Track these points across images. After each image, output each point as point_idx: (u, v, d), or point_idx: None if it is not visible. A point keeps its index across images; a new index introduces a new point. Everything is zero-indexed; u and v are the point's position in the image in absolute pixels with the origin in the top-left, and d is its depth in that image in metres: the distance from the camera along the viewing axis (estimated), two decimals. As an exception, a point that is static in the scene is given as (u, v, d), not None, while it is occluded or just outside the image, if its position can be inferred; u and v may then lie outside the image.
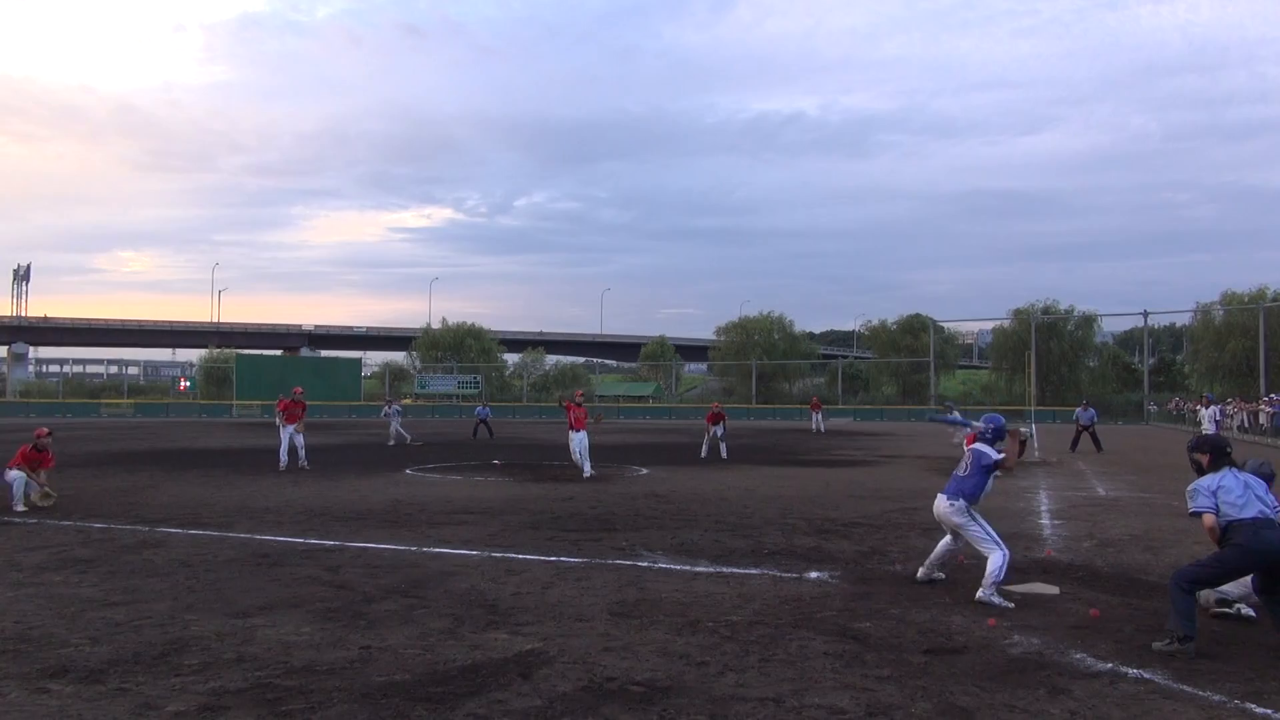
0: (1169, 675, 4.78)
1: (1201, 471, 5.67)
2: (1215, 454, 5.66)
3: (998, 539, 6.67)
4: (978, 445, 7.06)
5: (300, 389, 19.41)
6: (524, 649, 5.20)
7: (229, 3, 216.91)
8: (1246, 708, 4.31)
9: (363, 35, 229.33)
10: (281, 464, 17.50)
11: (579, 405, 17.32)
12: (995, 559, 6.51)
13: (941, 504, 6.88)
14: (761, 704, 4.30)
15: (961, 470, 6.96)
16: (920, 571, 7.18)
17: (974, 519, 6.76)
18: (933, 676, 4.74)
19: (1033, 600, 6.55)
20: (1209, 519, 5.42)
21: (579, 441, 16.59)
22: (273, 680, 4.61)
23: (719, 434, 22.69)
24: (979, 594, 6.46)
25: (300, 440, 17.80)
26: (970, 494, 6.80)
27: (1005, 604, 6.35)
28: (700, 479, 16.07)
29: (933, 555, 7.16)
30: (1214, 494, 5.44)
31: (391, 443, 26.04)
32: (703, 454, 22.14)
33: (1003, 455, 6.91)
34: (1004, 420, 7.25)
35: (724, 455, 21.69)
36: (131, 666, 4.83)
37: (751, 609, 6.22)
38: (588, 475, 16.18)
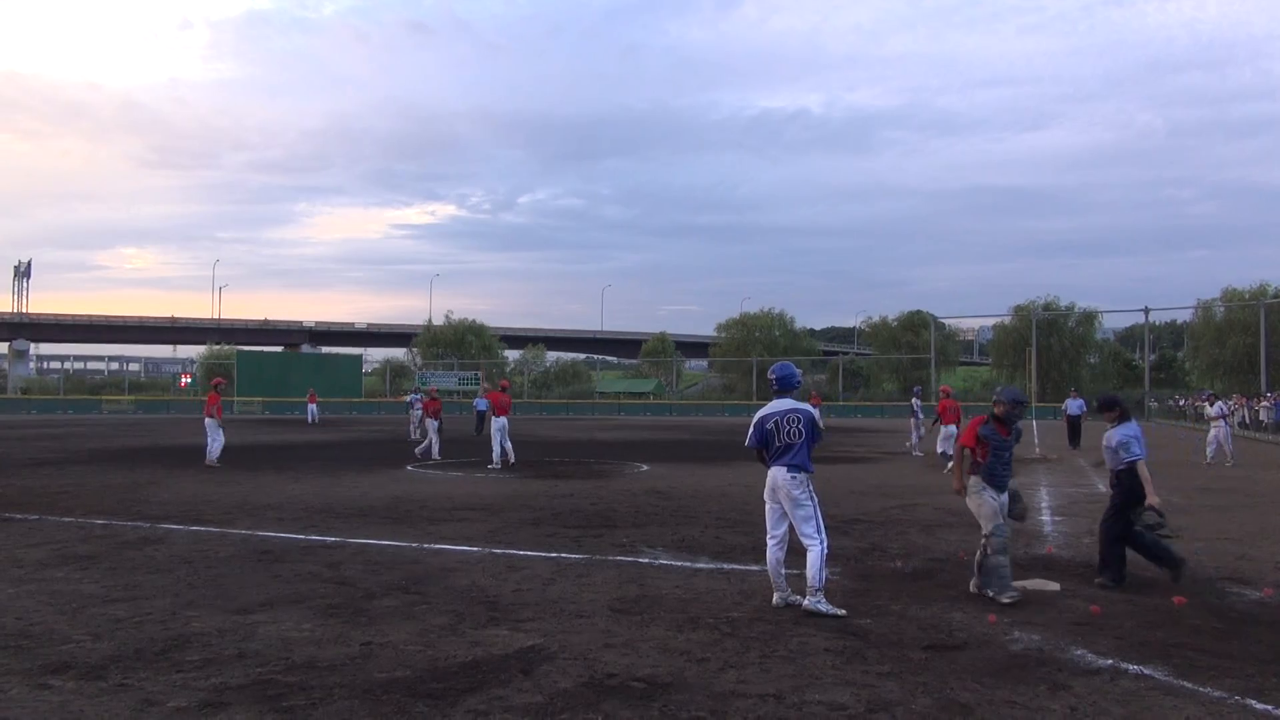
0: (1169, 671, 4.78)
1: None
2: None
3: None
4: (805, 406, 6.33)
5: (220, 380, 19.31)
6: (525, 645, 5.20)
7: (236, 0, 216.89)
8: (1247, 703, 4.31)
9: (369, 32, 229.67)
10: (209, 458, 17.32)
11: (504, 392, 18.55)
12: (819, 553, 5.95)
13: (782, 476, 6.07)
14: (762, 700, 4.30)
15: (794, 437, 6.12)
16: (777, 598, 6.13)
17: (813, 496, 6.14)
18: (933, 673, 4.74)
19: (1033, 596, 6.54)
20: None
21: (498, 426, 17.53)
22: (274, 676, 4.62)
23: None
24: (807, 603, 5.89)
25: (209, 434, 17.45)
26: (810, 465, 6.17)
27: (835, 611, 5.84)
28: (701, 476, 16.07)
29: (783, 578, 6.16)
30: None
31: (415, 436, 26.00)
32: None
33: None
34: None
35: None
36: (133, 663, 4.84)
37: (752, 605, 6.23)
38: (494, 465, 17.12)
